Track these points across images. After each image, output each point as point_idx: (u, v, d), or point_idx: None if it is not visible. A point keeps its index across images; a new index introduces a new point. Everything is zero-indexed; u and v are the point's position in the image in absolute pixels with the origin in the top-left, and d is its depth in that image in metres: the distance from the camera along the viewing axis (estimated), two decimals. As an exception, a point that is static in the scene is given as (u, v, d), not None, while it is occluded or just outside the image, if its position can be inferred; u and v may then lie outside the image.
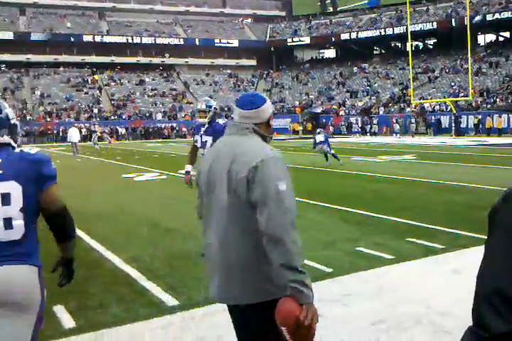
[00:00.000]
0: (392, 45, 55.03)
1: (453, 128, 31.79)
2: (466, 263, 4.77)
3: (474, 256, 5.00)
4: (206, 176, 2.14)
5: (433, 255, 5.15)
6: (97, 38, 51.82)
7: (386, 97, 41.90)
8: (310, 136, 28.22)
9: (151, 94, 49.97)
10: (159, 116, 45.53)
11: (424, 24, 45.82)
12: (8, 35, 48.30)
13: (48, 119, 41.70)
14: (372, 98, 42.84)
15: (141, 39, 53.26)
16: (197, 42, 55.05)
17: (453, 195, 8.97)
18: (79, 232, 5.27)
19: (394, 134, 33.89)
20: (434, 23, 45.29)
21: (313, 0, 58.05)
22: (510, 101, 33.03)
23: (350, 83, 48.43)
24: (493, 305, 0.94)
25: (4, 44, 47.35)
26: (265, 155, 1.98)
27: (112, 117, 44.34)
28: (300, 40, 54.87)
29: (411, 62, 34.41)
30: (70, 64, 51.20)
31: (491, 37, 47.90)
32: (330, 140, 14.95)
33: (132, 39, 52.92)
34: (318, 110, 43.59)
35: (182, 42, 54.73)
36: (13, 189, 2.11)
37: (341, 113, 41.29)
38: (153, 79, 53.01)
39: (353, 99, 44.28)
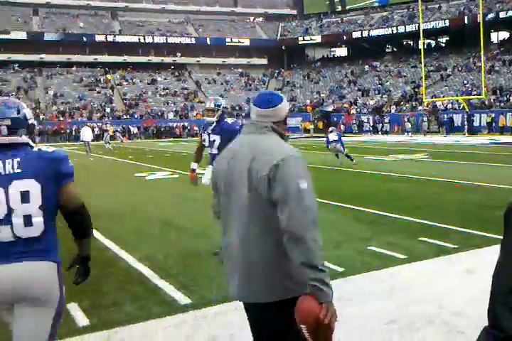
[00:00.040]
0: (404, 43, 54.67)
1: (466, 126, 31.53)
2: (480, 263, 4.75)
3: (488, 256, 4.98)
4: (224, 175, 2.13)
5: (446, 255, 5.13)
6: (110, 38, 52.11)
7: (398, 96, 41.66)
8: (321, 134, 28.19)
9: (162, 93, 50.15)
10: (171, 116, 45.69)
11: (437, 22, 45.48)
12: (22, 35, 48.74)
13: (61, 119, 42.03)
14: (383, 96, 42.63)
15: (153, 38, 53.48)
16: (208, 42, 55.14)
17: (466, 194, 8.92)
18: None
19: (406, 133, 33.70)
20: (447, 21, 44.95)
21: (324, -2, 58.00)
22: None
23: (361, 81, 48.22)
24: (509, 305, 0.93)
25: (18, 44, 47.79)
26: (286, 153, 1.99)
27: (124, 116, 44.57)
28: (311, 39, 54.74)
29: (423, 60, 34.18)
30: (83, 63, 51.54)
31: (504, 34, 47.38)
32: (344, 147, 14.68)
33: (144, 38, 53.16)
34: (330, 109, 43.46)
35: (193, 42, 54.86)
36: (32, 187, 2.17)
37: (353, 111, 41.13)
38: (164, 79, 53.19)
39: (365, 98, 44.08)
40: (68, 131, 40.21)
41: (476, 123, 32.00)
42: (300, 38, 55.39)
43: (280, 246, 1.93)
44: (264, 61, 57.73)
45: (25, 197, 2.16)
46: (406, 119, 34.31)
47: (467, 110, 31.76)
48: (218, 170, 2.20)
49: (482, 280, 4.34)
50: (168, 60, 54.30)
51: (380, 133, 36.54)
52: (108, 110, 45.21)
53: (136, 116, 44.73)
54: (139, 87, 50.70)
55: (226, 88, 52.82)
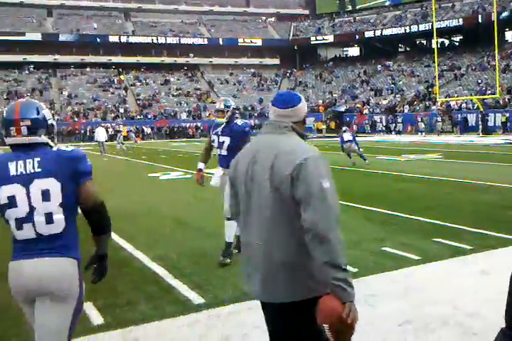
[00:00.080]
0: (417, 42, 54.31)
1: (480, 126, 31.25)
2: (495, 264, 4.72)
3: (502, 257, 4.95)
4: (245, 175, 2.13)
5: (460, 255, 5.10)
6: (123, 39, 52.45)
7: (411, 95, 41.39)
8: (334, 134, 28.09)
9: (175, 93, 50.36)
10: (184, 116, 45.86)
11: (450, 21, 45.13)
12: (36, 36, 49.25)
13: (76, 119, 42.39)
14: (396, 96, 42.39)
15: (165, 39, 53.72)
16: (221, 42, 55.26)
17: (479, 195, 8.85)
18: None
19: (419, 133, 33.49)
20: (460, 20, 44.57)
21: (334, -2, 57.89)
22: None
23: (374, 81, 48.01)
24: None
25: (32, 45, 48.31)
26: (309, 153, 2.00)
27: (138, 117, 44.84)
28: (323, 39, 54.60)
29: (436, 60, 33.93)
30: (97, 64, 51.93)
31: (519, 33, 46.95)
32: (359, 146, 14.55)
33: (157, 39, 53.42)
34: (342, 109, 43.33)
35: (206, 42, 55.01)
36: (52, 185, 2.23)
37: (365, 111, 40.97)
38: (177, 79, 53.40)
39: (377, 98, 43.88)
40: (82, 131, 40.56)
41: (490, 123, 31.68)
42: (312, 38, 55.27)
43: (303, 246, 1.94)
44: (276, 61, 57.70)
45: (45, 195, 2.22)
46: (419, 119, 34.09)
47: (481, 110, 31.47)
48: (237, 170, 2.20)
49: (497, 281, 4.31)
50: (180, 60, 54.50)
51: (393, 133, 36.35)
52: (122, 110, 45.50)
53: (149, 116, 44.97)
54: (152, 87, 50.96)
55: (238, 88, 52.89)
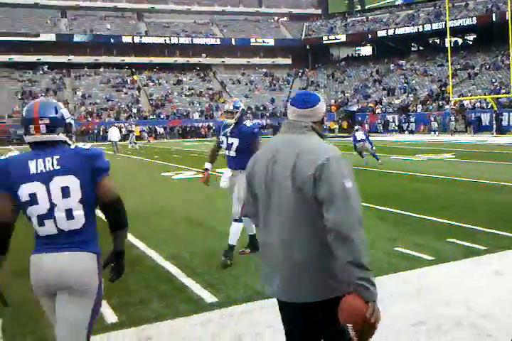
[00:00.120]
0: (430, 41, 53.95)
1: (494, 126, 30.95)
2: (508, 265, 4.68)
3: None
4: (264, 175, 2.13)
5: (474, 256, 5.07)
6: (136, 39, 52.75)
7: (424, 95, 41.11)
8: (346, 134, 27.99)
9: (188, 93, 50.52)
10: (196, 116, 46.00)
11: (464, 19, 44.74)
12: (51, 37, 49.71)
13: (89, 119, 42.70)
14: (409, 95, 42.14)
15: (178, 39, 53.92)
16: (233, 42, 55.34)
17: (493, 195, 8.78)
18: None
19: (432, 132, 33.26)
20: (474, 19, 44.17)
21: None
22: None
23: (386, 80, 47.77)
24: None
25: (47, 45, 48.76)
26: (331, 153, 2.00)
27: (151, 117, 45.06)
28: (336, 38, 54.45)
29: (450, 59, 33.67)
30: (110, 64, 52.28)
31: (534, 32, 46.40)
32: (372, 145, 14.42)
33: (170, 39, 53.63)
34: (354, 108, 43.18)
35: (218, 42, 55.13)
36: (72, 182, 2.29)
37: (378, 111, 40.78)
38: (190, 79, 53.57)
39: (390, 97, 43.65)
40: (96, 131, 40.85)
41: (504, 123, 31.35)
42: (325, 38, 55.14)
43: (325, 246, 1.94)
44: (288, 61, 57.65)
45: (65, 192, 2.28)
46: (432, 118, 33.86)
47: (495, 109, 31.17)
48: (255, 170, 2.19)
49: (511, 282, 4.28)
50: (193, 60, 54.67)
51: (405, 132, 36.14)
52: (135, 110, 45.76)
53: (162, 116, 45.18)
54: (165, 87, 51.18)
55: (250, 88, 52.93)
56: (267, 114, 47.17)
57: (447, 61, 35.94)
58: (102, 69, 51.97)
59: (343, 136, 31.02)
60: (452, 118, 32.99)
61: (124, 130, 36.46)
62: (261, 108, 48.46)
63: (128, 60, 52.32)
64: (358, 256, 1.86)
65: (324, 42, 55.38)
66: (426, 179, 11.24)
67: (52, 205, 2.28)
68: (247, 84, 53.76)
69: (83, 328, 2.34)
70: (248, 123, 5.23)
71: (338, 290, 1.97)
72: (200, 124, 44.19)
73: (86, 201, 2.32)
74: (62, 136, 2.38)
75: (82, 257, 2.32)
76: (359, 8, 57.54)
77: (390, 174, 12.47)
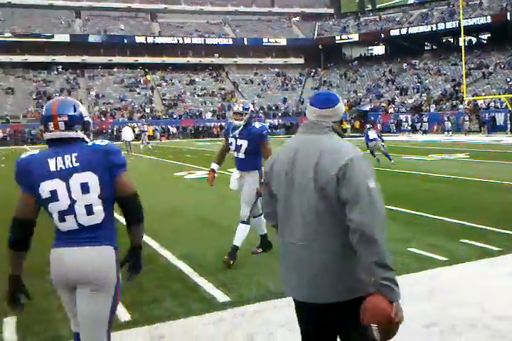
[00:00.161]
0: (444, 40, 53.58)
1: (508, 125, 30.64)
2: (523, 266, 4.64)
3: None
4: (284, 176, 2.12)
5: (488, 257, 5.02)
6: (149, 39, 53.04)
7: (437, 94, 40.84)
8: (358, 134, 27.88)
9: (200, 93, 50.67)
10: (208, 116, 46.11)
11: (478, 18, 44.36)
12: (65, 38, 50.14)
13: (103, 119, 42.99)
14: (422, 95, 41.87)
15: (191, 40, 54.12)
16: (245, 42, 55.41)
17: (507, 195, 8.70)
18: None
19: (445, 132, 33.01)
20: (488, 17, 43.77)
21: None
22: None
23: (399, 80, 47.51)
24: None
25: (61, 46, 49.18)
26: (353, 153, 2.00)
27: (164, 117, 45.26)
28: (348, 38, 54.26)
29: (464, 58, 33.40)
30: (124, 65, 52.59)
31: (550, 30, 45.85)
32: (383, 142, 14.34)
33: (183, 40, 53.83)
34: (367, 108, 43.00)
35: (231, 42, 55.23)
36: (91, 178, 2.35)
37: (390, 110, 40.57)
38: (202, 79, 53.72)
39: (403, 97, 43.41)
40: (109, 131, 41.11)
41: (519, 122, 31.06)
42: (337, 37, 55.00)
43: (346, 246, 1.94)
44: (300, 60, 57.57)
45: (85, 188, 2.34)
46: (446, 118, 33.59)
47: (510, 108, 30.85)
48: (274, 170, 2.19)
49: (526, 284, 4.24)
50: (206, 60, 54.83)
51: (419, 132, 35.91)
52: (148, 110, 46.00)
53: (175, 116, 45.35)
54: (178, 87, 51.37)
55: (263, 88, 52.94)
56: (279, 114, 47.15)
57: (461, 60, 35.65)
58: (115, 70, 52.32)
59: (356, 136, 30.89)
60: (466, 118, 32.71)
61: (136, 130, 36.68)
62: (273, 108, 48.45)
63: (141, 60, 52.61)
64: (382, 256, 1.86)
65: (337, 41, 55.23)
66: (438, 179, 11.17)
67: (73, 201, 2.34)
68: (259, 84, 53.78)
69: (104, 322, 2.41)
70: (257, 124, 5.19)
71: (360, 291, 1.97)
72: (213, 124, 44.29)
73: (105, 196, 2.38)
74: (80, 134, 2.43)
75: (102, 251, 2.38)
76: (370, 7, 57.27)
77: (403, 174, 12.40)
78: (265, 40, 56.01)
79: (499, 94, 34.99)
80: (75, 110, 2.43)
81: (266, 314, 3.82)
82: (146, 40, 52.85)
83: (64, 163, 2.35)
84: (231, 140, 5.29)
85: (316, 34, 57.50)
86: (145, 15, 58.59)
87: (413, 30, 49.18)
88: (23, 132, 39.52)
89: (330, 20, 59.90)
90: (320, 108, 2.14)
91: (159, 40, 53.47)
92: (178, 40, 53.80)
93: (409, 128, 37.34)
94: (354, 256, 1.94)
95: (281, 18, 62.66)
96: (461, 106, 35.86)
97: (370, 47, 59.83)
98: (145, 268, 4.98)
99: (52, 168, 2.35)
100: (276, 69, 56.63)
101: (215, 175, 5.49)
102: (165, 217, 7.92)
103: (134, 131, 30.10)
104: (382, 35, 51.93)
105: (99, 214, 2.37)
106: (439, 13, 49.99)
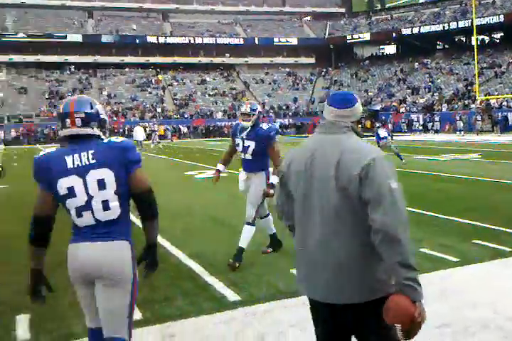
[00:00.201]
0: (456, 39, 53.19)
1: (522, 125, 30.39)
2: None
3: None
4: (302, 175, 2.11)
5: (501, 258, 4.98)
6: (161, 39, 53.24)
7: (449, 93, 40.57)
8: (369, 133, 27.78)
9: (211, 93, 50.76)
10: (219, 115, 46.18)
11: (491, 17, 44.02)
12: (77, 38, 50.49)
13: (115, 118, 43.21)
14: (434, 94, 41.61)
15: (202, 39, 54.23)
16: (256, 42, 55.43)
17: (521, 196, 8.63)
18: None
19: (457, 132, 32.78)
20: (501, 16, 43.40)
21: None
22: None
23: (411, 79, 47.26)
24: None
25: (73, 46, 49.53)
26: (374, 153, 1.99)
27: (175, 116, 45.40)
28: (360, 37, 54.06)
29: (476, 57, 33.16)
30: (135, 65, 52.83)
31: None
32: (392, 140, 14.35)
33: (194, 39, 53.97)
34: (378, 107, 42.80)
35: (242, 42, 55.27)
36: (107, 175, 2.40)
37: (402, 110, 40.37)
38: (213, 79, 53.82)
39: (415, 96, 43.18)
40: (121, 130, 41.32)
41: (532, 122, 30.77)
42: (348, 36, 54.83)
43: (367, 246, 1.93)
44: (311, 60, 57.47)
45: (101, 184, 2.39)
46: (458, 118, 33.35)
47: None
48: (292, 170, 2.17)
49: (539, 285, 4.21)
50: (217, 60, 54.92)
51: (430, 132, 35.70)
52: (159, 110, 46.17)
53: (186, 115, 45.47)
54: (189, 87, 51.51)
55: (273, 87, 52.92)
56: (290, 114, 47.11)
57: (473, 59, 35.41)
58: (127, 69, 52.58)
59: (367, 135, 30.76)
60: (478, 117, 32.46)
61: (148, 129, 36.85)
62: (284, 107, 48.42)
63: (153, 60, 52.81)
64: (406, 256, 1.86)
65: (348, 41, 55.05)
66: (450, 179, 11.10)
67: (90, 197, 2.40)
68: (270, 84, 53.76)
69: (123, 317, 2.46)
70: (265, 126, 5.15)
71: (380, 291, 1.97)
72: (223, 124, 44.33)
73: (121, 192, 2.43)
74: (96, 131, 2.49)
75: (117, 246, 2.43)
76: (379, 7, 57.02)
77: (414, 174, 12.34)
78: (276, 39, 55.98)
79: (512, 93, 34.71)
80: (91, 108, 2.49)
81: (276, 313, 3.82)
82: (158, 40, 53.06)
83: (81, 160, 2.40)
84: (238, 141, 5.26)
85: (327, 33, 57.36)
86: (157, 16, 58.81)
87: (425, 29, 48.90)
88: (36, 131, 39.86)
89: (341, 20, 59.71)
90: (338, 108, 2.13)
91: (171, 40, 53.65)
92: (190, 40, 53.95)
93: (421, 127, 37.13)
94: (374, 256, 1.93)
95: (292, 17, 62.57)
96: (473, 106, 35.59)
97: (381, 47, 59.56)
98: (156, 266, 5.02)
99: (70, 164, 2.40)
100: (287, 69, 56.57)
101: (220, 175, 5.51)
102: (176, 216, 7.94)
103: (145, 131, 30.25)
104: (394, 35, 51.69)
105: (115, 209, 2.42)
106: (451, 12, 49.66)
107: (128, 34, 53.17)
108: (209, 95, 50.40)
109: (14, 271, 5.13)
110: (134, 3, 55.37)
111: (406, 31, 50.22)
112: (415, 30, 49.50)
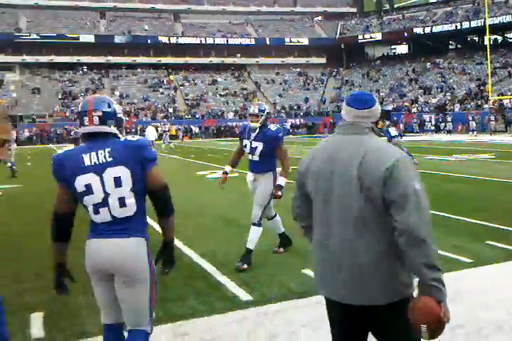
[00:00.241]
0: (469, 39, 52.81)
1: (536, 125, 30.07)
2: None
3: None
4: (322, 176, 2.09)
5: (514, 259, 4.95)
6: (172, 40, 53.42)
7: (462, 93, 40.27)
8: (381, 133, 27.54)
9: (222, 93, 50.85)
10: (230, 115, 46.25)
11: (504, 16, 43.64)
12: (90, 38, 50.83)
13: (127, 118, 43.41)
14: (446, 94, 41.34)
15: (213, 40, 54.35)
16: (267, 42, 55.45)
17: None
18: (157, 228, 5.49)
19: (470, 132, 32.54)
20: (515, 15, 43.03)
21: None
22: None
23: (423, 79, 46.99)
24: None
25: (86, 46, 49.88)
26: (398, 154, 1.98)
27: (186, 116, 45.53)
28: (371, 37, 53.86)
29: (489, 57, 32.90)
30: (147, 65, 53.07)
31: None
32: (402, 139, 14.31)
33: (205, 40, 54.10)
34: (389, 107, 42.59)
35: (253, 42, 55.32)
36: (123, 172, 2.45)
37: (414, 110, 40.14)
38: (225, 79, 53.90)
39: (427, 96, 42.92)
40: (133, 130, 41.52)
41: (547, 122, 30.44)
42: (360, 36, 54.63)
43: (390, 247, 1.93)
44: (322, 60, 57.35)
45: (117, 181, 2.45)
46: (471, 118, 33.09)
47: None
48: (311, 170, 2.15)
49: (554, 286, 4.16)
50: (228, 60, 55.01)
51: (443, 132, 35.46)
52: (171, 110, 46.33)
53: (197, 116, 45.59)
54: (200, 87, 51.64)
55: (284, 88, 52.89)
56: (301, 114, 47.05)
57: (486, 59, 35.14)
58: (139, 70, 52.84)
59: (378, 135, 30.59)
60: (492, 117, 32.19)
61: (159, 129, 36.99)
62: (295, 107, 48.37)
63: (164, 60, 53.03)
64: (431, 257, 1.86)
65: (359, 41, 54.87)
66: (462, 179, 11.02)
67: (106, 194, 2.45)
68: (281, 84, 53.74)
69: (144, 311, 2.52)
70: (273, 127, 5.13)
71: (403, 293, 1.97)
72: (234, 124, 44.33)
73: (137, 190, 2.48)
74: (113, 129, 2.55)
75: (134, 243, 2.48)
76: (387, 7, 56.77)
77: (425, 174, 12.25)
78: (287, 39, 55.95)
79: (526, 93, 34.38)
80: (109, 106, 2.55)
81: (288, 314, 3.82)
82: (169, 40, 53.27)
83: (98, 158, 2.45)
84: (245, 142, 5.24)
85: (338, 33, 57.22)
86: (168, 16, 59.04)
87: (437, 28, 48.61)
88: (49, 131, 40.18)
89: (352, 20, 59.54)
90: (357, 108, 2.12)
91: (182, 40, 53.84)
92: (201, 41, 54.11)
93: (433, 128, 36.90)
94: (397, 257, 1.93)
95: (303, 17, 62.49)
96: (486, 106, 35.31)
97: (393, 47, 59.30)
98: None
99: (87, 162, 2.46)
100: (298, 69, 56.50)
101: (227, 176, 5.49)
102: (188, 215, 7.97)
103: (157, 131, 30.38)
104: (406, 34, 51.43)
105: (131, 206, 2.47)
106: (463, 12, 49.31)
107: (140, 34, 53.43)
108: (220, 95, 50.49)
109: (26, 270, 5.19)
110: (145, 3, 55.65)
111: (418, 31, 49.95)
112: (427, 30, 49.22)
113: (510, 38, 50.11)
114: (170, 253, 2.61)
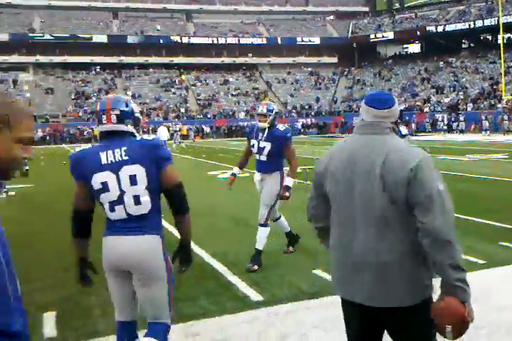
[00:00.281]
0: (482, 38, 52.35)
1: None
2: None
3: None
4: (342, 176, 2.06)
5: (528, 260, 4.90)
6: (184, 40, 53.56)
7: (475, 93, 39.93)
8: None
9: (234, 93, 50.87)
10: (242, 115, 46.25)
11: (518, 15, 43.20)
12: (103, 39, 51.14)
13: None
14: (459, 94, 41.00)
15: (225, 40, 54.40)
16: (279, 41, 55.39)
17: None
18: (168, 227, 5.50)
19: (483, 132, 32.25)
20: (529, 14, 42.57)
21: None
22: None
23: (435, 79, 46.65)
24: None
25: (99, 46, 50.19)
26: (421, 155, 1.97)
27: (198, 116, 45.63)
28: (383, 36, 53.57)
29: (503, 56, 32.59)
30: (159, 65, 53.27)
31: None
32: (413, 138, 14.30)
33: (217, 40, 54.18)
34: (401, 107, 42.28)
35: (265, 42, 55.29)
36: (138, 171, 2.49)
37: (426, 109, 39.88)
38: (236, 79, 53.92)
39: (439, 95, 42.60)
40: (145, 130, 41.70)
41: (562, 122, 30.09)
42: (372, 35, 54.37)
43: (414, 247, 1.93)
44: (334, 59, 57.16)
45: (133, 180, 2.49)
46: (483, 117, 32.81)
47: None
48: (330, 171, 2.12)
49: None
50: (240, 60, 55.03)
51: (455, 132, 35.20)
52: (183, 110, 46.46)
53: (209, 116, 45.68)
54: (212, 87, 51.72)
55: (296, 87, 52.80)
56: (312, 113, 46.95)
57: (500, 58, 34.81)
58: (151, 70, 53.04)
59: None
60: (505, 117, 31.88)
61: (171, 129, 37.12)
62: (306, 107, 48.27)
63: (176, 60, 53.18)
64: (456, 258, 1.86)
65: (371, 40, 54.59)
66: (475, 179, 10.93)
67: (122, 192, 2.49)
68: (292, 84, 53.65)
69: (163, 306, 2.57)
70: (281, 127, 5.10)
71: (425, 294, 1.97)
72: (246, 124, 44.32)
73: (152, 188, 2.52)
74: (130, 128, 2.60)
75: (149, 240, 2.52)
76: (398, 6, 56.46)
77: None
78: (299, 39, 55.85)
79: (540, 92, 34.00)
80: (126, 106, 2.61)
81: (299, 314, 3.82)
82: (181, 40, 53.42)
83: (114, 156, 2.51)
84: (253, 142, 5.21)
85: (350, 33, 57.00)
86: (180, 16, 59.21)
87: (450, 27, 48.23)
88: (62, 131, 40.48)
89: (365, 19, 59.27)
90: (377, 108, 2.10)
91: (194, 40, 53.97)
92: (213, 40, 54.19)
93: (445, 127, 36.63)
94: (419, 256, 1.93)
95: (315, 17, 62.35)
96: (499, 106, 34.97)
97: (405, 46, 58.95)
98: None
99: (104, 161, 2.51)
100: (310, 69, 56.37)
101: (234, 179, 5.46)
102: (198, 215, 7.96)
103: (169, 131, 30.48)
104: (418, 33, 51.09)
105: (146, 204, 2.51)
106: (476, 10, 48.88)
107: (152, 35, 53.65)
108: (232, 95, 50.53)
109: (39, 269, 5.23)
110: (157, 3, 55.86)
111: (431, 29, 49.59)
112: (440, 29, 48.86)
113: (524, 37, 49.63)
114: (187, 251, 2.65)
